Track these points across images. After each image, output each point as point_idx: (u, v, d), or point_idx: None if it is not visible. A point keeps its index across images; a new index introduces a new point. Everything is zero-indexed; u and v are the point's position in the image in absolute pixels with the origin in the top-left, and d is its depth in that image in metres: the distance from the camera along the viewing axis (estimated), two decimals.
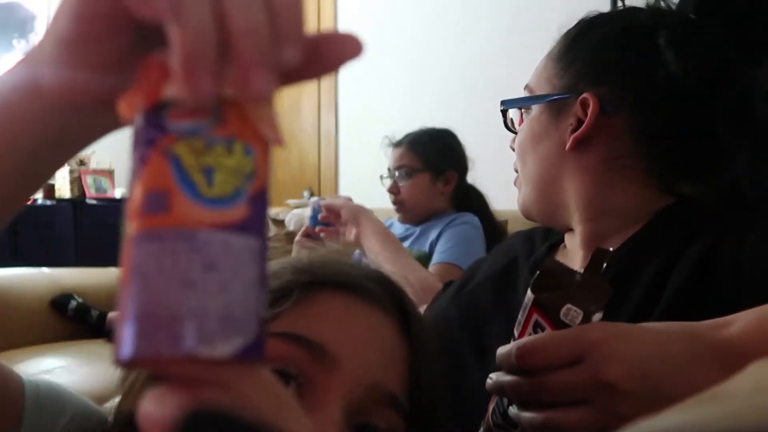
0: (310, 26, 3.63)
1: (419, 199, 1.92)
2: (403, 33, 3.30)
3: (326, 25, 3.58)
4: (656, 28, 0.67)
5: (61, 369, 1.78)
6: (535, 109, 0.73)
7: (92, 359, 1.80)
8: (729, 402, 0.23)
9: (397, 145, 1.97)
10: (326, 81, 3.59)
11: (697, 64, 0.65)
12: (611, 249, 0.61)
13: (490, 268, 0.82)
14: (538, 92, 0.73)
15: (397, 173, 1.93)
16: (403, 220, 1.97)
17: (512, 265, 0.79)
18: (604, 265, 0.48)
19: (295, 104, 3.77)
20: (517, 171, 0.77)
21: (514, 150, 0.77)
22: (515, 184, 0.78)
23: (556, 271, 0.48)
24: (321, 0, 3.60)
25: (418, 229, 1.92)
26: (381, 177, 1.99)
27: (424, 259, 1.80)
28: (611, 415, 0.42)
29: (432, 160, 1.92)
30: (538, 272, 0.48)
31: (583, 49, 0.70)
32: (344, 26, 3.52)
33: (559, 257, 0.76)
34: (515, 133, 0.77)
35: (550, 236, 0.80)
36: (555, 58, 0.73)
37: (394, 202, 1.94)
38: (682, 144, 0.67)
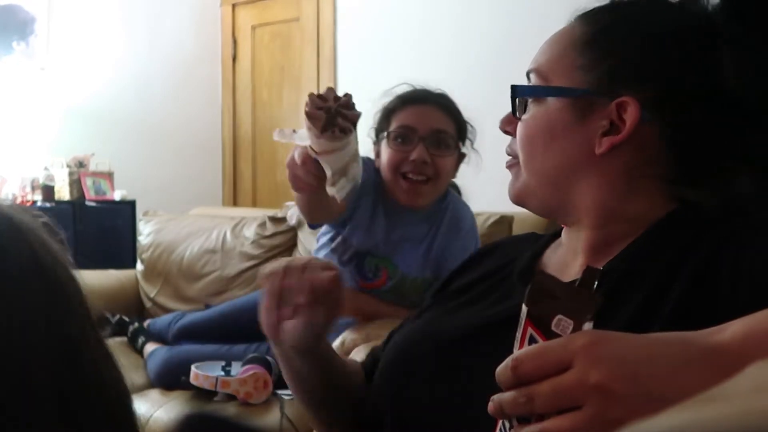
0: (309, 25, 3.63)
1: (446, 182, 1.50)
2: (402, 33, 3.30)
3: (325, 25, 3.58)
4: (711, 36, 0.63)
5: None
6: (553, 101, 0.67)
7: None
8: (728, 403, 0.23)
9: (423, 101, 1.47)
10: (326, 83, 3.59)
11: (754, 85, 0.62)
12: (601, 268, 0.61)
13: (483, 270, 0.81)
14: (556, 82, 0.67)
15: (429, 140, 1.44)
16: (415, 202, 1.48)
17: (506, 267, 0.78)
18: (596, 283, 0.49)
19: (295, 105, 3.77)
20: (509, 155, 0.73)
21: (506, 132, 0.73)
22: (507, 166, 0.73)
23: (547, 283, 0.49)
24: None
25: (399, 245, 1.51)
26: (375, 139, 1.51)
27: (429, 282, 1.45)
28: (605, 419, 0.41)
29: (462, 132, 1.51)
30: (531, 286, 0.48)
31: (623, 45, 0.65)
32: (343, 26, 3.52)
33: (551, 250, 0.75)
34: (519, 119, 0.71)
35: (541, 240, 0.78)
36: (579, 46, 0.67)
37: (420, 174, 1.44)
38: (713, 158, 0.64)
